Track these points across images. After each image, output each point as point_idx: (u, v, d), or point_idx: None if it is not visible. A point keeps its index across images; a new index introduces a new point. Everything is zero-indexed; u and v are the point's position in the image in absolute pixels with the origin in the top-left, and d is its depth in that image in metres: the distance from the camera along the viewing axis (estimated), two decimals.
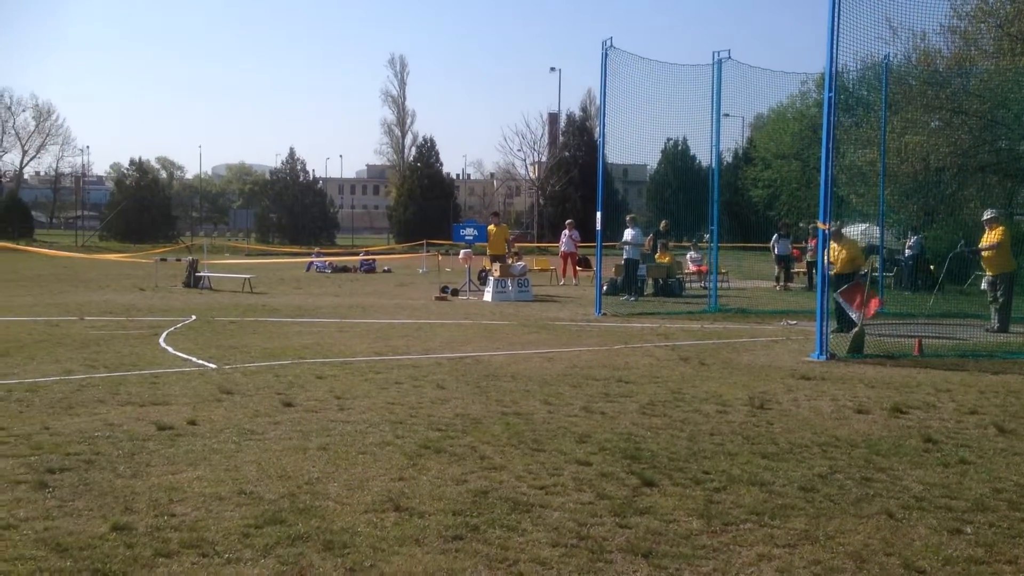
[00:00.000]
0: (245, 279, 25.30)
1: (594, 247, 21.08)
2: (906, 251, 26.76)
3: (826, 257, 14.11)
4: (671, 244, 27.17)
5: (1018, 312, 18.36)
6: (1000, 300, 16.61)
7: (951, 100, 24.79)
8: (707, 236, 24.17)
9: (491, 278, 23.10)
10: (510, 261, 23.85)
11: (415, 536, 5.46)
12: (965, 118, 24.86)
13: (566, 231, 29.34)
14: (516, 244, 28.07)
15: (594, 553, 5.25)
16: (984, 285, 17.30)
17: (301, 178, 78.10)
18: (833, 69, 13.32)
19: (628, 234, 23.16)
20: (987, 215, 16.85)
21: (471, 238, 26.77)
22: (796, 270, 29.29)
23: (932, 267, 26.42)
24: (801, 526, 5.74)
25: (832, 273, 15.20)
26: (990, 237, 16.56)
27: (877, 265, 22.35)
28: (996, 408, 9.57)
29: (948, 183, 26.12)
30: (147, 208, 70.91)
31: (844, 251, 15.89)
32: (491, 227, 25.33)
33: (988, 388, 10.78)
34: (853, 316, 14.53)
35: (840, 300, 14.85)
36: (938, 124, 26.00)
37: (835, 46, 13.12)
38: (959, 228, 26.97)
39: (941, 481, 6.76)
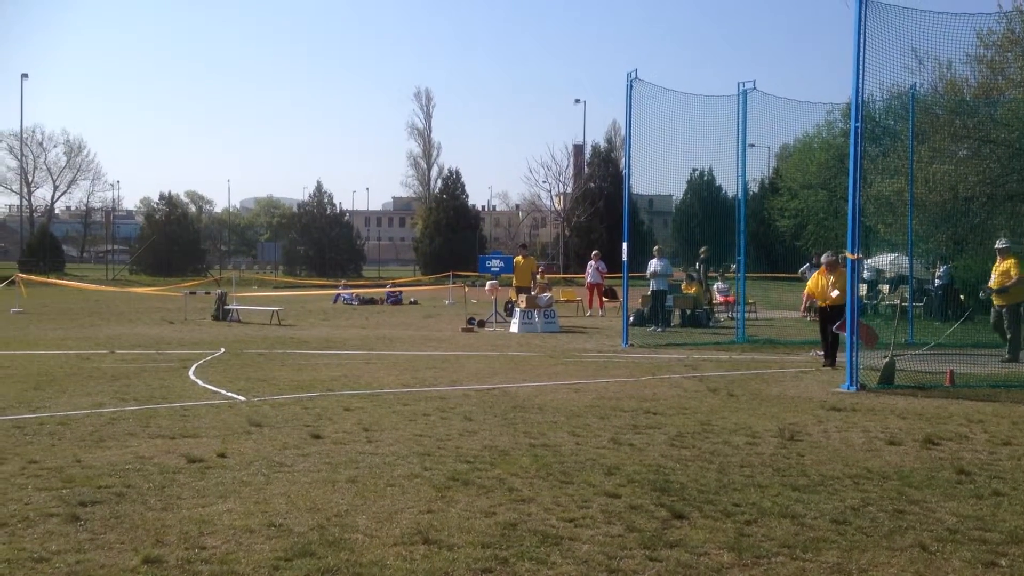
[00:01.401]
0: (273, 312, 25.45)
1: (620, 278, 21.07)
2: (936, 281, 26.56)
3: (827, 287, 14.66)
4: (706, 273, 27.19)
5: None
6: (1009, 332, 16.40)
7: (979, 129, 24.64)
8: (734, 266, 24.11)
9: (517, 309, 23.11)
10: (535, 292, 23.86)
11: (444, 569, 5.45)
12: (993, 147, 24.69)
13: (592, 262, 29.34)
14: (544, 275, 28.05)
15: None
16: (993, 316, 17.02)
17: (328, 211, 78.50)
18: (859, 99, 13.31)
19: (655, 264, 23.14)
20: (1000, 244, 16.70)
21: (497, 269, 26.82)
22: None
23: (963, 297, 26.19)
24: (834, 559, 5.69)
25: (825, 304, 15.61)
26: (1003, 267, 16.34)
27: (907, 295, 22.20)
28: None
29: (977, 212, 25.90)
30: (176, 242, 71.47)
31: (837, 284, 15.43)
32: (518, 259, 25.38)
33: (1021, 419, 10.65)
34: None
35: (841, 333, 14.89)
36: (966, 153, 25.83)
37: (861, 76, 13.12)
38: (989, 258, 26.75)
39: (975, 513, 6.68)
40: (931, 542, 6.00)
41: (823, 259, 16.02)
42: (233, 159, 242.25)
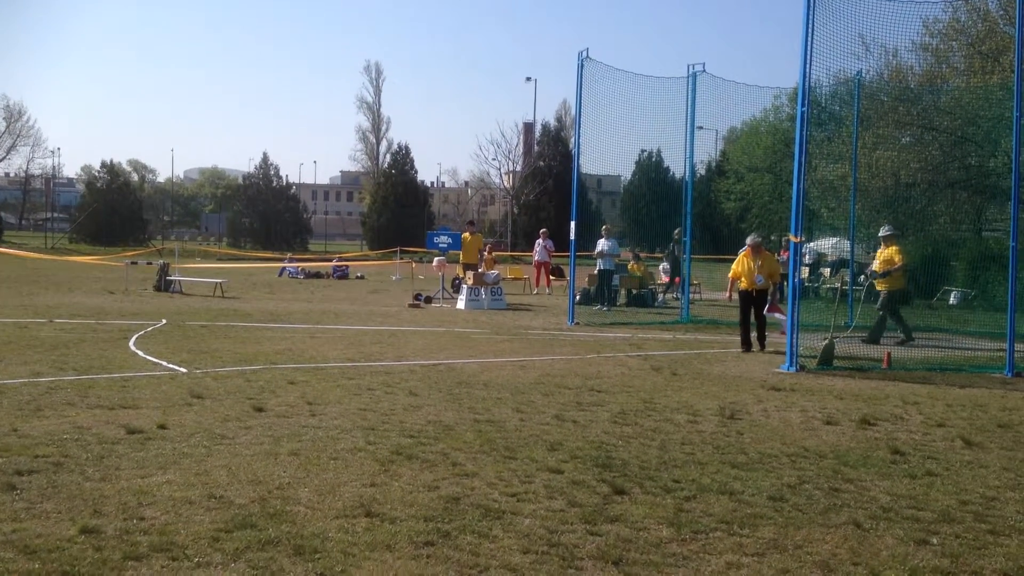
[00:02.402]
0: (217, 284, 25.15)
1: (567, 256, 21.14)
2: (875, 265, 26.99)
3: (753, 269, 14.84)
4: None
5: (986, 328, 18.62)
6: (880, 312, 16.89)
7: (922, 117, 25.09)
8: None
9: (464, 286, 23.11)
10: (482, 269, 23.85)
11: (386, 542, 5.46)
12: (935, 135, 25.16)
13: (540, 240, 29.41)
14: (493, 252, 28.01)
15: (565, 560, 5.27)
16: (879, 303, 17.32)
17: (274, 183, 77.68)
18: (806, 84, 13.45)
19: (603, 244, 23.26)
20: (884, 231, 17.15)
21: (445, 246, 26.78)
22: None
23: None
24: (770, 535, 5.79)
25: (750, 289, 15.34)
26: (887, 254, 16.75)
27: (847, 279, 22.56)
28: (963, 421, 9.69)
29: (918, 199, 26.40)
30: (117, 211, 70.23)
31: (764, 268, 15.39)
32: (466, 235, 25.36)
33: (955, 401, 10.91)
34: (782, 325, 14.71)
35: (772, 315, 15.21)
36: (909, 140, 26.31)
37: (809, 61, 13.26)
38: (928, 243, 27.29)
39: (908, 492, 6.84)
40: (865, 519, 6.14)
41: (748, 241, 15.69)
42: (177, 128, 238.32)
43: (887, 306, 16.77)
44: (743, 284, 15.47)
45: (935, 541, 5.75)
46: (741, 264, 15.54)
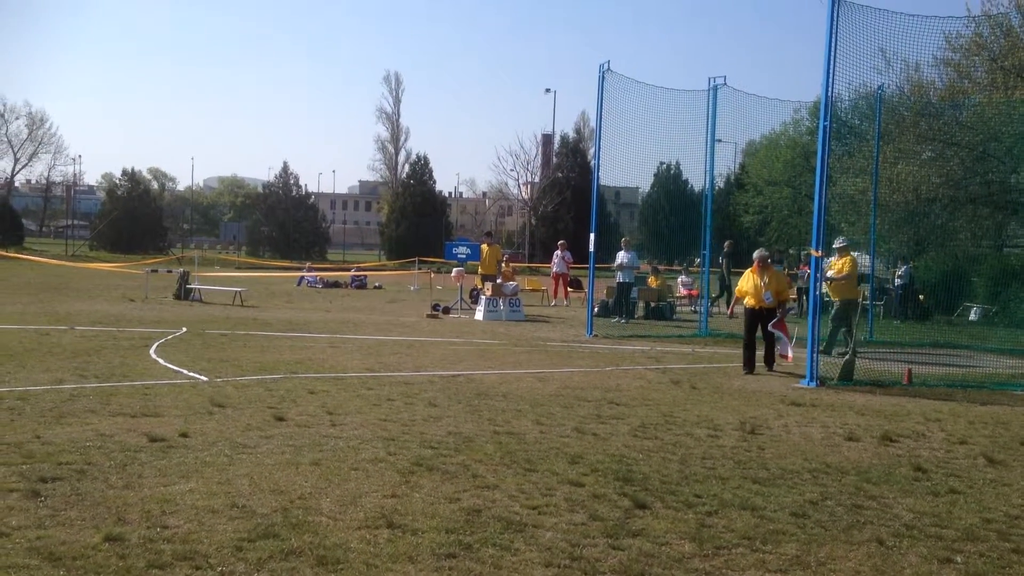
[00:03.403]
0: (236, 292, 25.25)
1: (586, 268, 21.13)
2: (896, 280, 26.91)
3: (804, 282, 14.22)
4: (729, 268, 27.19)
5: (1007, 344, 18.50)
6: (832, 324, 16.83)
7: (943, 131, 24.99)
8: (698, 260, 24.25)
9: (483, 297, 23.13)
10: (501, 280, 23.85)
11: (408, 553, 5.47)
12: (957, 150, 25.05)
13: (558, 251, 29.40)
14: (511, 264, 28.00)
15: (587, 574, 5.27)
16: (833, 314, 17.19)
17: (294, 192, 77.98)
18: (829, 97, 13.42)
19: (622, 257, 23.24)
20: (838, 243, 17.11)
21: (464, 256, 26.83)
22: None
23: (921, 297, 26.58)
24: (793, 552, 5.77)
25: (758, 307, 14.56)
26: (837, 265, 16.71)
27: (868, 294, 22.47)
28: (985, 439, 9.62)
29: (939, 214, 26.30)
30: (138, 219, 70.57)
31: (772, 285, 14.62)
32: (484, 246, 25.37)
33: (977, 419, 10.84)
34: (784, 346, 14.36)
35: (776, 332, 14.49)
36: (930, 155, 26.19)
37: (831, 74, 13.23)
38: (949, 259, 27.17)
39: (931, 510, 6.80)
40: (888, 537, 6.11)
41: (755, 255, 14.87)
42: (197, 137, 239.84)
43: (841, 316, 16.75)
44: (749, 302, 14.70)
45: (959, 560, 5.72)
46: (748, 280, 14.81)
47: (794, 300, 28.31)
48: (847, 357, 13.91)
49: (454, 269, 26.07)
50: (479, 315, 22.69)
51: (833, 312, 16.88)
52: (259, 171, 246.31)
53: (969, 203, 25.97)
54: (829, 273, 16.65)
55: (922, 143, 25.79)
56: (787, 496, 7.04)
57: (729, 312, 16.70)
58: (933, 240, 27.47)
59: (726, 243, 28.17)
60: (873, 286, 23.12)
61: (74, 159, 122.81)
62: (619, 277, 23.40)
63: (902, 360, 15.83)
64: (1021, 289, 24.04)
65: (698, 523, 6.27)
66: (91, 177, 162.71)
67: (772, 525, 6.29)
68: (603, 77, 19.34)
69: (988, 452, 8.86)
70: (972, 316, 26.14)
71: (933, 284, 26.73)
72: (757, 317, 14.63)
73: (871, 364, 14.83)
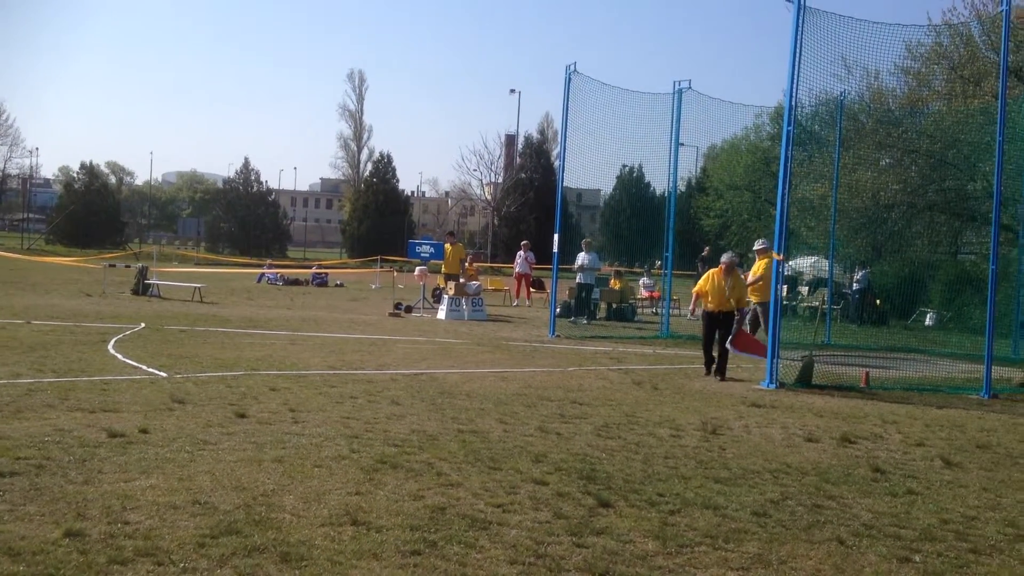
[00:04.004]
0: (195, 288, 25.00)
1: (549, 269, 21.17)
2: (854, 285, 27.23)
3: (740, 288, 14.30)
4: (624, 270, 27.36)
5: (963, 349, 18.78)
6: (755, 328, 17.06)
7: (902, 139, 25.31)
8: (659, 263, 24.39)
9: (445, 296, 23.10)
10: (463, 280, 23.82)
11: (373, 550, 5.45)
12: (915, 157, 25.39)
13: (521, 252, 29.42)
14: (474, 263, 27.95)
15: (552, 571, 5.29)
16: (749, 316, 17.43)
17: (254, 188, 77.35)
18: (793, 103, 13.56)
19: (583, 258, 23.30)
20: (758, 245, 17.49)
21: (427, 255, 26.76)
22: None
23: (879, 301, 26.93)
24: (754, 550, 5.82)
25: (716, 310, 14.25)
26: (755, 267, 17.16)
27: (826, 298, 22.74)
28: (942, 441, 9.78)
29: (896, 220, 26.62)
30: (95, 212, 69.73)
31: (735, 292, 14.39)
32: (447, 246, 25.34)
33: (934, 421, 11.00)
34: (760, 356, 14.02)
35: (733, 350, 14.01)
36: (889, 162, 26.51)
37: (796, 80, 13.36)
38: (906, 264, 27.53)
39: (890, 510, 6.90)
40: (848, 536, 6.19)
41: (723, 259, 14.48)
42: (156, 131, 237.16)
43: (759, 318, 17.03)
44: (709, 304, 14.27)
45: (917, 559, 5.81)
46: (710, 281, 14.32)
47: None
48: (806, 360, 14.05)
49: (417, 268, 26.00)
50: (441, 314, 22.66)
51: (750, 315, 17.07)
52: (219, 167, 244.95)
53: (927, 210, 26.33)
54: (750, 276, 16.96)
55: (881, 150, 26.09)
56: (748, 495, 7.10)
57: (691, 312, 16.75)
58: (890, 246, 27.81)
59: (705, 249, 28.36)
60: (832, 291, 23.37)
61: (31, 151, 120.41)
62: (580, 278, 23.47)
63: (860, 364, 16.02)
64: (975, 295, 24.40)
65: (661, 522, 6.31)
66: (48, 170, 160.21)
67: (734, 524, 6.34)
68: (569, 79, 19.39)
69: (945, 454, 9.00)
70: (928, 321, 26.52)
71: (890, 289, 27.08)
72: (715, 321, 14.24)
73: (829, 367, 15.00)
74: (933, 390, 13.85)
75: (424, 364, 13.87)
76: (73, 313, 19.06)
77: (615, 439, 8.99)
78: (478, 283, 24.46)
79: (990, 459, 9.00)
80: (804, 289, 29.34)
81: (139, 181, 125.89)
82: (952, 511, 6.95)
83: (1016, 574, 5.63)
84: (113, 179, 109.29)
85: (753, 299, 16.93)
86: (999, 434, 10.40)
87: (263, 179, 79.33)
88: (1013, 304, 18.76)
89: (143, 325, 17.20)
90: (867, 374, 14.12)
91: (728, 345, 14.02)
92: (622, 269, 27.40)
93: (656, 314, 25.55)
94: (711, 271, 14.77)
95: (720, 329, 14.19)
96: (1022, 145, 18.59)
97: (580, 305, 23.41)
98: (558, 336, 19.27)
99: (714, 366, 14.23)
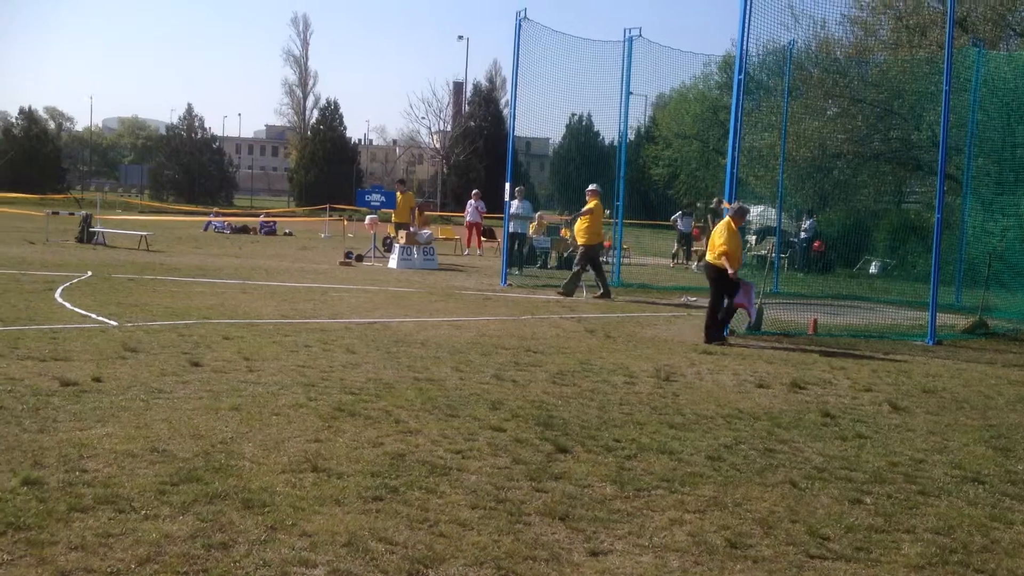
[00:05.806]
0: (141, 236, 24.61)
1: (500, 218, 21.09)
2: (801, 234, 27.58)
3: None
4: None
5: (907, 296, 19.16)
6: (586, 269, 17.89)
7: (849, 88, 25.51)
8: (608, 212, 24.44)
9: (396, 245, 23.00)
10: (415, 228, 23.71)
11: (335, 496, 5.48)
12: (862, 107, 25.63)
13: (472, 201, 29.31)
14: (424, 212, 27.76)
15: (513, 515, 5.35)
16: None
17: (198, 135, 76.06)
18: (743, 52, 13.62)
19: (515, 206, 22.46)
20: (590, 188, 18.28)
21: (378, 204, 26.58)
22: (695, 248, 29.83)
23: (817, 244, 27.33)
24: (710, 493, 5.95)
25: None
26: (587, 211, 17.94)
27: (774, 246, 22.99)
28: (889, 386, 10.01)
29: (843, 169, 26.94)
30: (35, 159, 68.25)
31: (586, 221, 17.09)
32: (398, 194, 25.15)
33: (880, 367, 11.25)
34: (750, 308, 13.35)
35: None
36: (835, 111, 26.74)
37: (747, 29, 13.41)
38: (851, 214, 27.95)
39: (840, 454, 7.07)
40: (800, 479, 6.34)
41: (735, 208, 13.25)
42: (96, 75, 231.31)
43: (583, 260, 17.80)
44: (735, 264, 12.77)
45: (868, 501, 5.97)
46: (737, 238, 12.97)
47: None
48: (756, 306, 14.22)
49: (367, 216, 25.83)
50: (393, 263, 22.58)
51: (577, 257, 18.07)
52: (161, 113, 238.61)
53: (872, 159, 26.65)
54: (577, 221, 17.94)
55: (828, 99, 26.30)
56: (702, 440, 7.23)
57: (697, 264, 17.08)
58: (837, 195, 28.18)
59: (715, 200, 28.35)
60: (780, 239, 23.63)
61: None
62: (511, 227, 22.76)
63: (807, 311, 16.28)
64: (919, 244, 24.88)
65: (618, 466, 6.41)
66: None
67: (689, 468, 6.46)
68: (520, 25, 19.20)
69: (892, 399, 9.22)
70: (873, 269, 26.99)
71: (835, 238, 27.49)
72: (714, 274, 13.00)
73: (778, 314, 15.23)
74: (879, 337, 14.14)
75: (377, 313, 13.84)
76: (17, 261, 18.70)
77: (570, 386, 9.08)
78: (429, 232, 24.37)
79: (936, 403, 9.24)
80: (752, 238, 29.68)
81: (79, 127, 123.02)
82: (901, 454, 7.15)
83: (963, 515, 5.81)
84: (52, 125, 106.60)
85: (579, 241, 17.98)
86: (944, 379, 10.67)
87: (207, 125, 78.11)
88: (956, 252, 19.14)
89: (90, 273, 16.92)
90: (815, 321, 14.37)
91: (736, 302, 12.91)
92: (570, 217, 27.40)
93: (607, 263, 25.65)
94: (731, 226, 12.95)
95: (718, 284, 13.00)
96: (966, 96, 18.84)
97: (512, 256, 22.93)
98: (510, 285, 19.31)
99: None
